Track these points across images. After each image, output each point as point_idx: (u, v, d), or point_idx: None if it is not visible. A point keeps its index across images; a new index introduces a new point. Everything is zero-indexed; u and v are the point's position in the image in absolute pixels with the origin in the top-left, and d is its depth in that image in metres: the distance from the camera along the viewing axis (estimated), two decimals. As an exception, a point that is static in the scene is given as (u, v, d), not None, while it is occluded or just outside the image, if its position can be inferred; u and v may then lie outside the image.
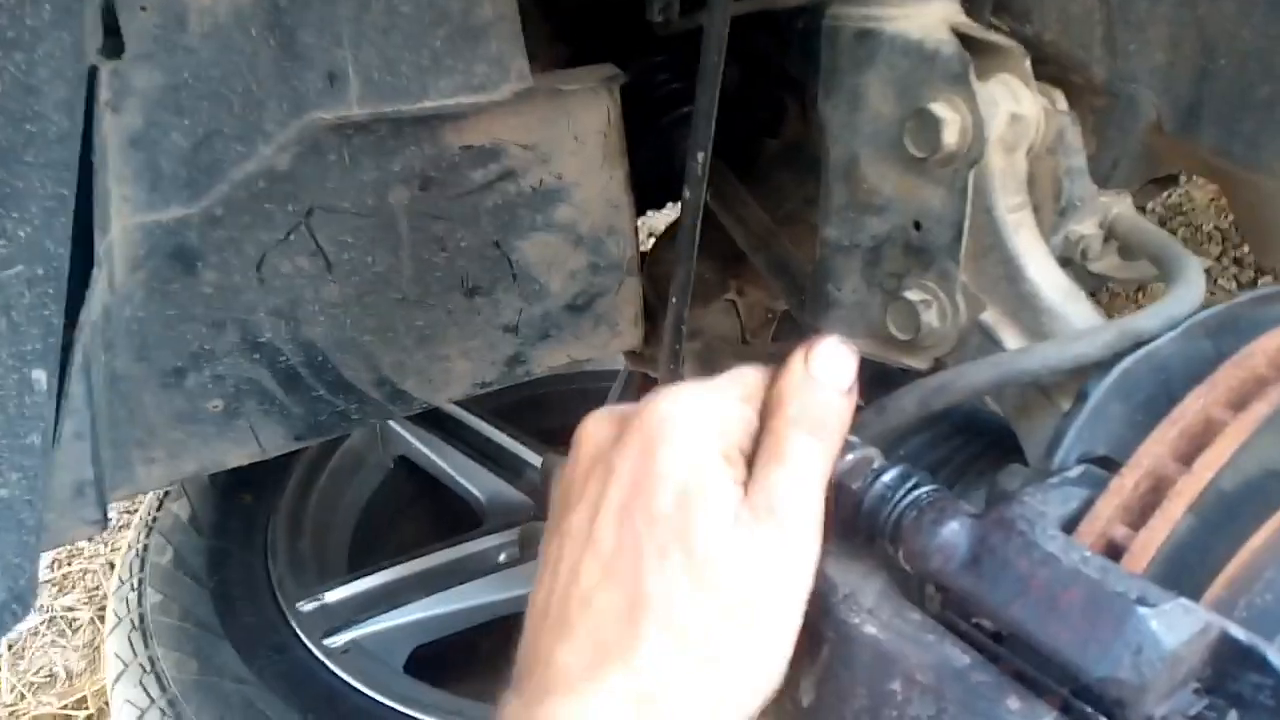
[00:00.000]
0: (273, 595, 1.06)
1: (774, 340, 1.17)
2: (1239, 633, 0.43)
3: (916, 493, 0.49)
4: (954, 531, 0.47)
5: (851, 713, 0.50)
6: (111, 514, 1.67)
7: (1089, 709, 0.42)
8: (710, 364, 1.15)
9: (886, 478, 0.50)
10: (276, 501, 1.20)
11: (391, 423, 1.37)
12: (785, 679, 0.59)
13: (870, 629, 0.50)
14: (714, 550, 0.46)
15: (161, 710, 0.93)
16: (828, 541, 0.54)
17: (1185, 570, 0.48)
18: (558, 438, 1.42)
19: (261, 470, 1.25)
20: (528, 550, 1.24)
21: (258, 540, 1.14)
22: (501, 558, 1.22)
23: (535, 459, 1.38)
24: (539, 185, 0.88)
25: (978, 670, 0.46)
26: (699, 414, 0.48)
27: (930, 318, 0.63)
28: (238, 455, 0.96)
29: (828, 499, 0.52)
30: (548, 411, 1.58)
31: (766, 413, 0.50)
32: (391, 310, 0.93)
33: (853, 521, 0.52)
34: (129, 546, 1.14)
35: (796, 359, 0.50)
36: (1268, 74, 0.94)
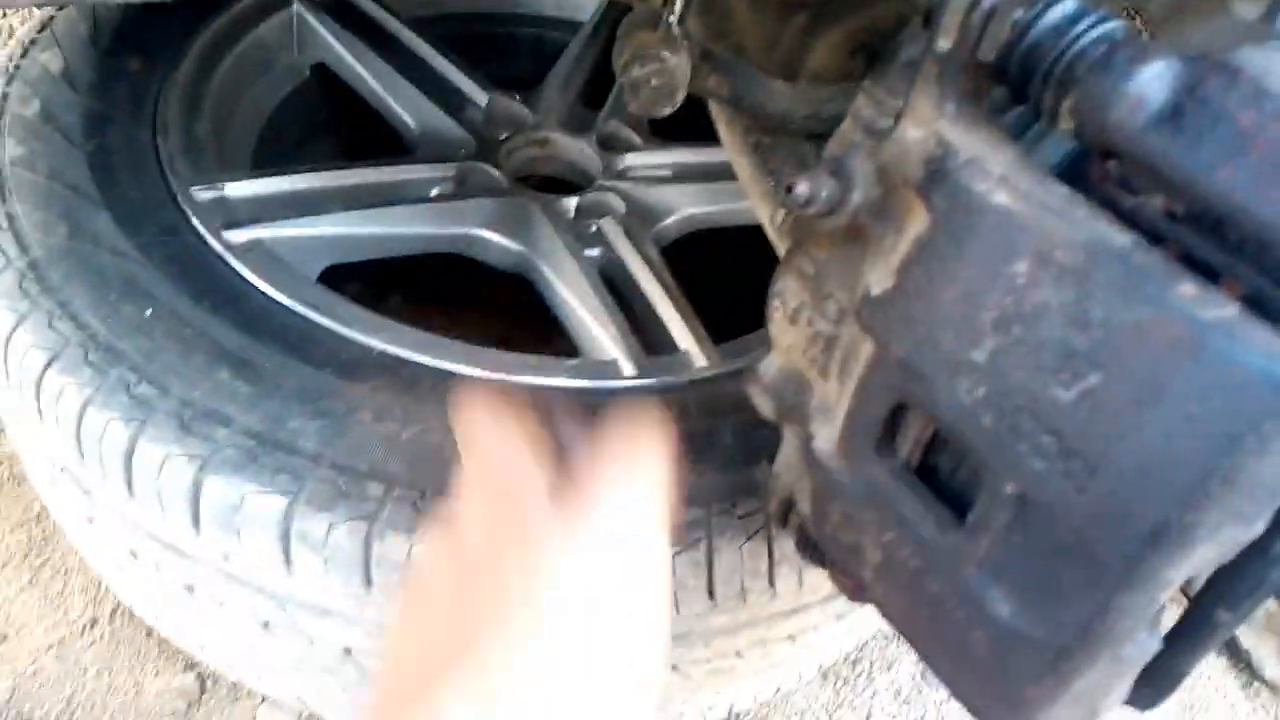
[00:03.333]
0: (162, 173, 0.89)
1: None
2: None
3: (1107, 26, 0.37)
4: (1157, 73, 0.35)
5: (946, 301, 0.40)
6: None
7: (1289, 300, 0.33)
8: (713, 0, 0.97)
9: (1067, 6, 0.38)
10: (170, 75, 0.99)
11: (314, 21, 1.16)
12: (834, 276, 0.49)
13: (1000, 199, 0.39)
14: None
15: (20, 272, 0.77)
16: (947, 102, 0.42)
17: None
18: (507, 84, 1.25)
19: (151, 39, 1.04)
20: (463, 189, 1.09)
21: (146, 112, 0.95)
22: (434, 191, 1.08)
23: (481, 97, 1.20)
24: None
25: (1141, 252, 0.36)
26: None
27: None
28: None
29: (967, 36, 0.40)
30: (499, 54, 1.38)
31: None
32: None
33: (998, 70, 0.40)
34: (-19, 96, 0.94)
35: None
36: None
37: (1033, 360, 0.38)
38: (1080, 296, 0.36)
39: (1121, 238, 0.36)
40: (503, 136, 1.19)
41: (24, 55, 0.97)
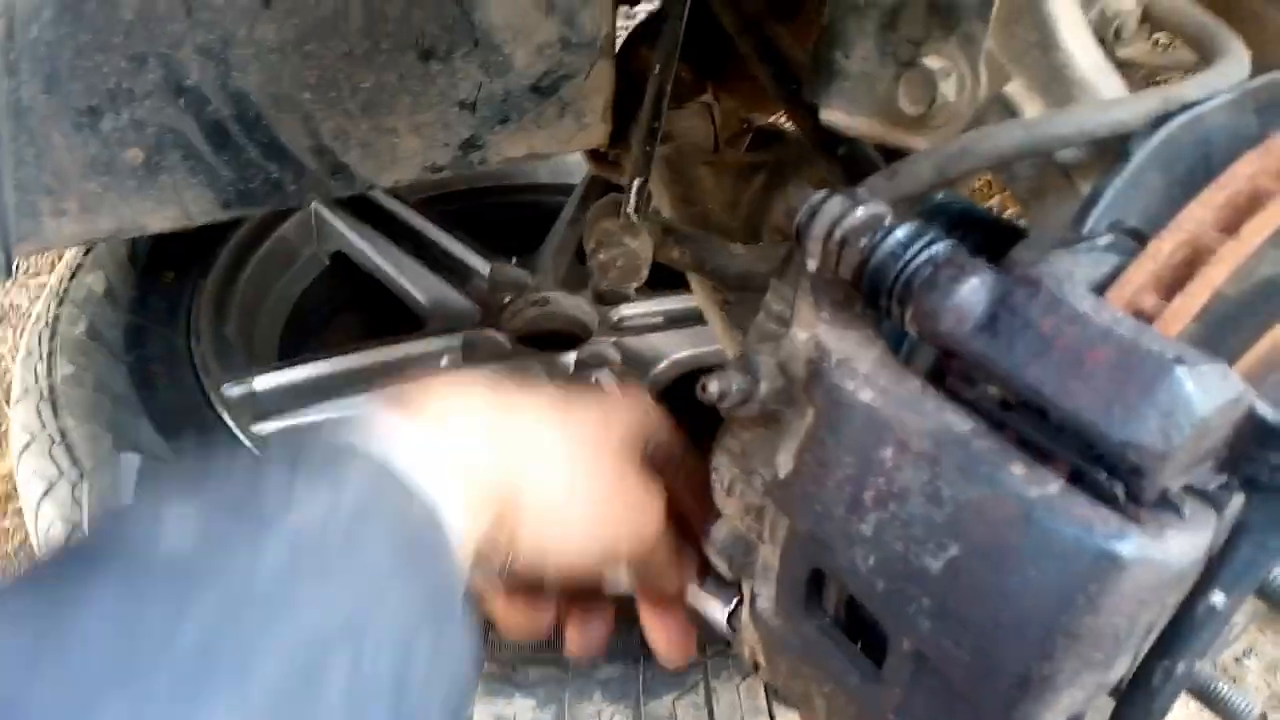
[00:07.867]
0: (196, 376, 0.99)
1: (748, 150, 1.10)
2: (1266, 410, 0.40)
3: (933, 249, 0.44)
4: (973, 289, 0.42)
5: (834, 482, 0.47)
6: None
7: (1101, 476, 0.39)
8: (679, 171, 1.07)
9: (899, 234, 0.45)
10: (201, 283, 1.11)
11: (330, 216, 1.28)
12: (757, 455, 0.56)
13: (865, 395, 0.46)
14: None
15: (72, 483, 0.87)
16: (822, 310, 0.50)
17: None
18: (505, 249, 1.36)
19: (183, 250, 1.16)
20: (470, 357, 1.19)
21: (180, 320, 1.06)
22: (444, 361, 1.17)
23: (483, 266, 1.31)
24: (511, -69, 0.79)
25: (980, 437, 0.42)
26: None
27: (948, 88, 0.57)
28: (160, 218, 0.87)
29: (828, 259, 0.48)
30: (498, 223, 1.50)
31: None
32: (335, 65, 0.84)
33: (855, 284, 0.47)
34: (36, 318, 1.06)
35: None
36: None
37: (907, 533, 0.44)
38: (933, 477, 0.43)
39: (962, 425, 0.43)
40: (505, 300, 1.29)
41: (72, 278, 1.09)
